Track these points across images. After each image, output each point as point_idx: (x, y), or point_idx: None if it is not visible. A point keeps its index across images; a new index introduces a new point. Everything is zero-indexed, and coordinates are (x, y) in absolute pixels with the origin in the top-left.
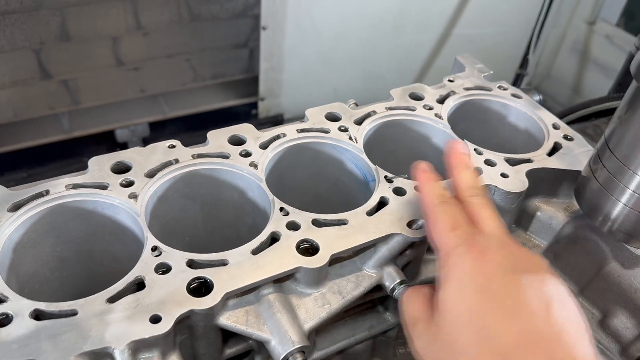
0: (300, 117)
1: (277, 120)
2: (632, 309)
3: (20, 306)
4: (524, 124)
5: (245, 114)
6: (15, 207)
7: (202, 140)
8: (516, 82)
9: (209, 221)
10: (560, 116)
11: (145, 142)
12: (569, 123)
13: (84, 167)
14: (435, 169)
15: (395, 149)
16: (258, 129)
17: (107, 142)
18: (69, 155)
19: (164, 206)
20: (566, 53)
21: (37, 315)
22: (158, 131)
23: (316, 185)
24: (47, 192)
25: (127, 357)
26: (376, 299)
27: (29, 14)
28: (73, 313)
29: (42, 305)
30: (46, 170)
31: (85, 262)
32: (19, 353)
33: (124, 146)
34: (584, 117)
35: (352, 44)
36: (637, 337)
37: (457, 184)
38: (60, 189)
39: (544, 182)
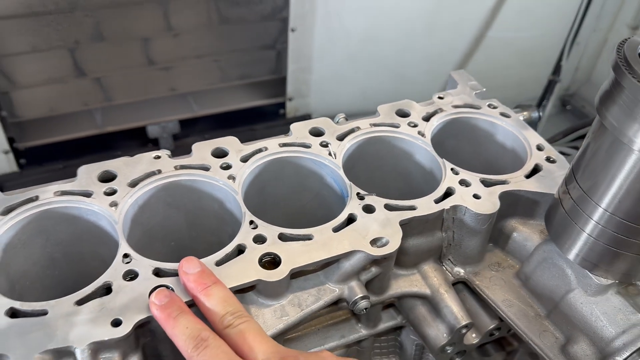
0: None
1: (305, 120)
2: (592, 337)
3: None
4: (511, 143)
5: (273, 113)
6: (7, 211)
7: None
8: (549, 88)
9: (193, 228)
10: (572, 130)
11: (175, 138)
12: (581, 137)
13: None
14: (419, 186)
15: (381, 165)
16: (284, 130)
17: (139, 137)
18: (102, 149)
19: (147, 214)
20: (607, 58)
21: (13, 313)
22: (188, 128)
23: (299, 198)
24: (37, 197)
25: (87, 356)
26: (350, 311)
27: (65, 15)
28: (43, 313)
29: (17, 304)
30: (81, 162)
31: (75, 263)
32: None
33: (155, 142)
34: None
35: (382, 46)
36: None
37: (207, 317)
38: (49, 195)
39: (521, 204)
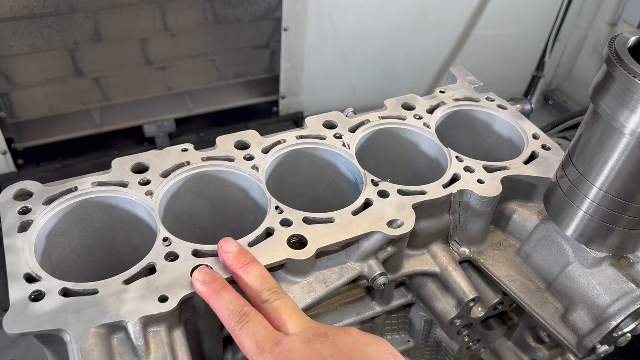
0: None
1: (297, 117)
2: (589, 305)
3: (51, 285)
4: (508, 133)
5: (267, 111)
6: (49, 201)
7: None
8: (532, 84)
9: (217, 216)
10: (560, 122)
11: (171, 137)
12: (568, 129)
13: (113, 159)
14: (424, 174)
15: (388, 154)
16: (277, 127)
17: (136, 136)
18: (100, 148)
19: (177, 202)
20: (587, 54)
21: (65, 292)
22: (184, 126)
23: (314, 186)
24: (76, 188)
25: (138, 330)
26: (365, 290)
27: (65, 16)
28: (94, 292)
29: (69, 285)
30: (79, 162)
31: (108, 250)
32: (49, 324)
33: (151, 140)
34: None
35: (371, 44)
36: (592, 330)
37: (245, 292)
38: (87, 186)
39: (520, 188)
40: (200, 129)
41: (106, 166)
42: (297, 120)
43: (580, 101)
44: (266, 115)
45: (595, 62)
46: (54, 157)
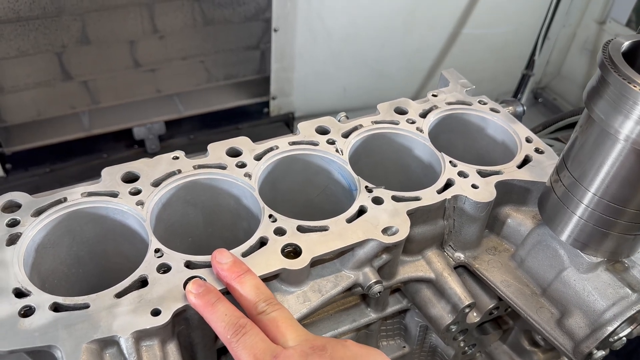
0: (311, 115)
1: (288, 118)
2: (586, 310)
3: (41, 299)
4: (501, 136)
5: (258, 112)
6: (38, 213)
7: (216, 137)
8: (522, 82)
9: (209, 224)
10: (551, 123)
11: (161, 139)
12: (560, 129)
13: (103, 163)
14: (418, 178)
15: (382, 159)
16: (268, 128)
17: (125, 139)
18: (89, 151)
19: (168, 211)
20: (576, 52)
21: (56, 307)
22: (174, 129)
23: (307, 192)
24: (65, 199)
25: (131, 345)
26: (360, 297)
27: (52, 19)
28: (86, 306)
29: (60, 299)
30: (68, 166)
31: (98, 261)
32: (39, 340)
33: (141, 143)
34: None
35: (361, 44)
36: (588, 335)
37: (240, 303)
38: (76, 197)
39: (514, 192)
40: (190, 131)
41: (96, 170)
42: (288, 121)
43: (570, 99)
44: (257, 116)
45: (584, 59)
46: (42, 162)
